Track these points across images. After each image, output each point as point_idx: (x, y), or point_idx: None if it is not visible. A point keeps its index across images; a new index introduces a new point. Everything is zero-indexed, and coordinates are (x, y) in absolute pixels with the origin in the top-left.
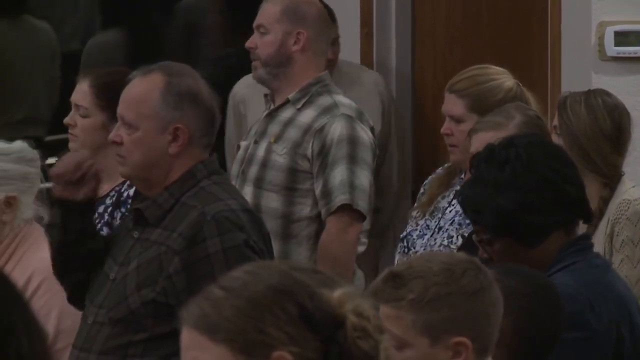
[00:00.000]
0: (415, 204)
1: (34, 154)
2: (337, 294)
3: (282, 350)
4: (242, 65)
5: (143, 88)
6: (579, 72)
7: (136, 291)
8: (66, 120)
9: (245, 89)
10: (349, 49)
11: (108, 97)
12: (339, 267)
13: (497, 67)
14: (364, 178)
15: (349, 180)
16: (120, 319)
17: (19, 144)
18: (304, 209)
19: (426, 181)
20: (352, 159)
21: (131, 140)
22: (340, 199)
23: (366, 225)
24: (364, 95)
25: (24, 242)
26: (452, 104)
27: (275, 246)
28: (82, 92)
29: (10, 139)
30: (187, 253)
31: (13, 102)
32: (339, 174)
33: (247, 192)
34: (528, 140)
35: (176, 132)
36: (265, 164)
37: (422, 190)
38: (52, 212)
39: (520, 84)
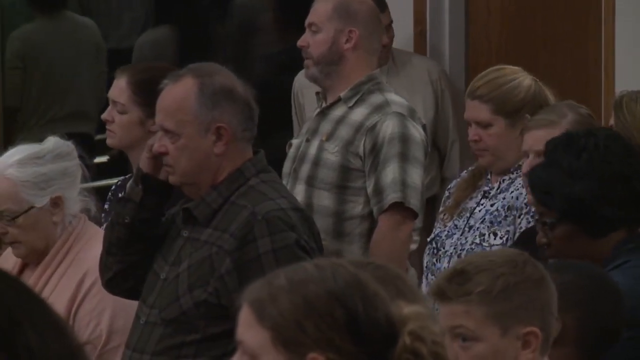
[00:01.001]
0: (441, 207)
1: (68, 146)
2: (406, 310)
3: (319, 353)
4: (293, 63)
5: (177, 94)
6: (633, 70)
7: (188, 292)
8: (104, 116)
9: (303, 79)
10: (403, 47)
11: (145, 93)
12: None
13: (512, 67)
14: (416, 176)
15: (401, 178)
16: (173, 320)
17: (51, 142)
18: (356, 207)
19: (451, 185)
20: (404, 157)
21: (176, 148)
22: (392, 197)
23: (418, 223)
24: (417, 82)
25: (78, 240)
26: (477, 110)
27: (328, 244)
28: (119, 89)
29: (55, 134)
30: (238, 253)
31: (57, 98)
32: (390, 172)
33: (299, 191)
34: (607, 133)
35: (218, 131)
36: (317, 162)
37: (447, 193)
38: (131, 186)
39: (538, 81)
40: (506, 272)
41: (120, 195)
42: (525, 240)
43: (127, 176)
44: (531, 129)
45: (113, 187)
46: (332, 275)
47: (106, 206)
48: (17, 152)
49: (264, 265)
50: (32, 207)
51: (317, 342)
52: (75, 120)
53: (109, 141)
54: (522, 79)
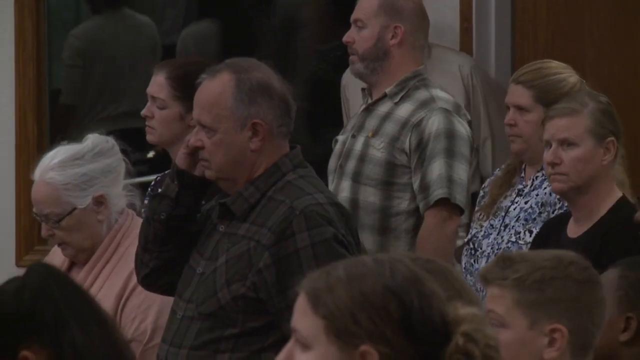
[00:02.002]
0: (477, 207)
1: (108, 142)
2: (461, 311)
3: (371, 346)
4: (342, 59)
5: (214, 89)
6: None
7: (226, 286)
8: (143, 112)
9: (350, 75)
10: (449, 44)
11: (184, 88)
12: None
13: (560, 62)
14: (462, 172)
15: (447, 174)
16: (211, 314)
17: (90, 140)
18: (402, 203)
19: (485, 183)
20: (450, 153)
21: (212, 143)
22: (438, 193)
23: (464, 219)
24: (449, 77)
25: (126, 237)
26: (519, 95)
27: (374, 240)
28: (158, 84)
29: (111, 132)
30: (276, 248)
31: (114, 97)
32: (436, 168)
33: (345, 187)
34: None
35: (255, 127)
36: (363, 159)
37: (481, 192)
38: (167, 183)
39: (584, 82)
40: (547, 266)
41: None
42: (549, 230)
43: (166, 172)
44: (553, 118)
45: (152, 182)
46: (390, 270)
47: (146, 201)
48: (57, 154)
49: (302, 259)
50: (74, 209)
51: (369, 335)
52: (130, 118)
53: (149, 137)
54: (569, 75)
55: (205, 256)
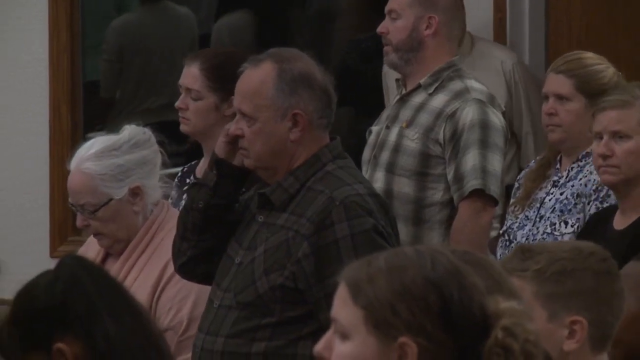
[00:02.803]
0: (512, 199)
1: (145, 133)
2: (501, 305)
3: (409, 337)
4: (377, 49)
5: (256, 79)
6: None
7: (264, 276)
8: (177, 104)
9: None
10: (483, 34)
11: (219, 78)
12: None
13: (596, 54)
14: (496, 163)
15: (481, 165)
16: (248, 303)
17: (127, 131)
18: (436, 193)
19: (520, 175)
20: (484, 144)
21: (252, 132)
22: (472, 184)
23: (498, 210)
24: (491, 71)
25: (161, 228)
26: (560, 84)
27: (408, 231)
28: (192, 76)
29: (149, 124)
30: (315, 238)
31: (153, 91)
32: (471, 159)
33: (379, 177)
34: None
35: (295, 117)
36: (397, 149)
37: (516, 185)
38: (206, 171)
39: (620, 73)
40: (566, 257)
41: (187, 181)
42: (595, 222)
43: (192, 162)
44: (605, 110)
45: (179, 173)
46: (431, 262)
47: (173, 192)
48: (94, 145)
49: (341, 250)
50: (111, 199)
51: (408, 326)
52: (169, 110)
53: (183, 128)
54: (607, 67)
55: (244, 246)
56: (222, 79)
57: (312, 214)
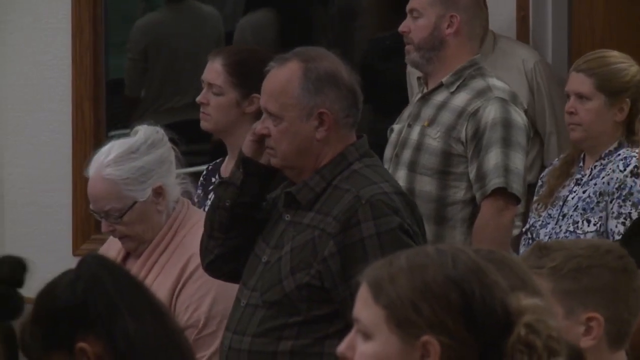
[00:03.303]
0: (535, 197)
1: (158, 132)
2: (523, 302)
3: (432, 336)
4: (397, 47)
5: (282, 78)
6: None
7: (291, 275)
8: (199, 98)
9: None
10: (505, 33)
11: (241, 74)
12: None
13: (620, 52)
14: (519, 161)
15: (504, 164)
16: (275, 302)
17: (142, 131)
18: (458, 192)
19: (543, 173)
20: (507, 142)
21: (278, 131)
22: (494, 182)
23: (521, 208)
24: (513, 71)
25: (183, 226)
26: (580, 83)
27: (430, 230)
28: (215, 71)
29: (175, 123)
30: (341, 236)
31: (178, 90)
32: (493, 158)
33: (401, 176)
34: None
35: (321, 116)
36: (419, 148)
37: (540, 182)
38: (232, 170)
39: None
40: (583, 254)
41: (213, 180)
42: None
43: (217, 160)
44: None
45: (204, 172)
46: (452, 260)
47: (199, 191)
48: (112, 150)
49: (367, 248)
50: (135, 202)
51: (431, 325)
52: (194, 109)
53: (203, 124)
54: (630, 65)
55: (271, 245)
56: (244, 76)
57: (338, 212)
